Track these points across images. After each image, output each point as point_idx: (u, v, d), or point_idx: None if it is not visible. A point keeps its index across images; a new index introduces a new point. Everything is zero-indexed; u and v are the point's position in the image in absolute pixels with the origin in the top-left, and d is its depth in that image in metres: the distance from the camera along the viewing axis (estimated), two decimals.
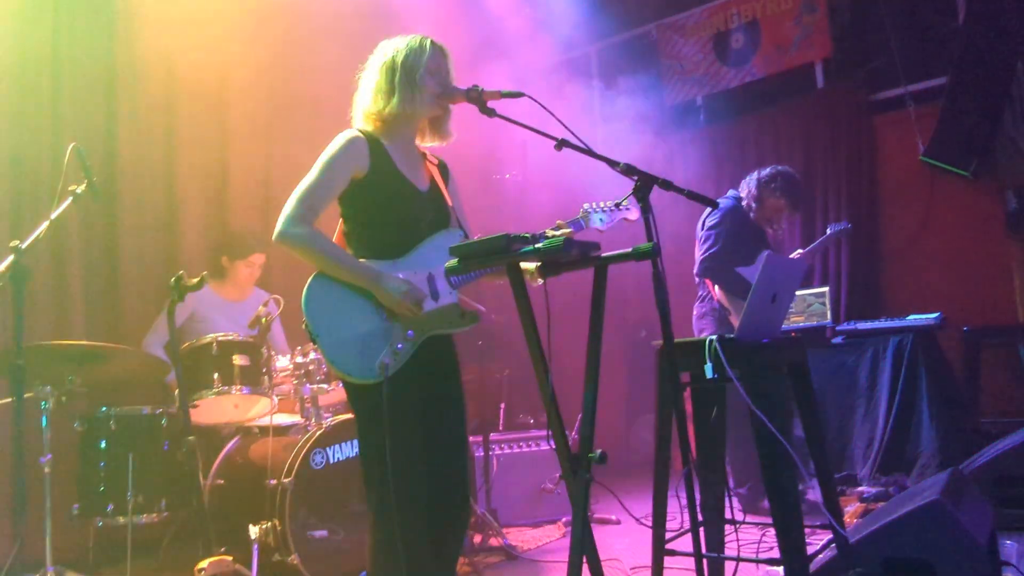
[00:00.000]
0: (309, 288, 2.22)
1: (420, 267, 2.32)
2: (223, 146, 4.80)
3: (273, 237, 2.23)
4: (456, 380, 2.45)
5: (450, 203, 2.47)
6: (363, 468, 2.27)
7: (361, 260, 2.28)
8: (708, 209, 4.32)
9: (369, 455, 2.24)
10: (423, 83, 2.32)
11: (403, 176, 2.36)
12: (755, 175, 4.41)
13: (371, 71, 2.39)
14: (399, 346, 2.23)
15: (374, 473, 2.19)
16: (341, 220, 2.40)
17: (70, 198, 3.08)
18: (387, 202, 2.32)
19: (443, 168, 2.56)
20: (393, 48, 2.36)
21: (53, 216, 3.05)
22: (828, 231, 4.68)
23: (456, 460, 2.37)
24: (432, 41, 2.37)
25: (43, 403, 3.07)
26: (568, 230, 2.43)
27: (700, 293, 4.45)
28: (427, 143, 2.51)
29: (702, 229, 4.37)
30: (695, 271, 4.35)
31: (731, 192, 4.51)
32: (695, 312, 4.46)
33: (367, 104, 2.37)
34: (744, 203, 4.39)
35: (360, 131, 2.35)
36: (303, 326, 2.22)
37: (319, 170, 2.28)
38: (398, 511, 2.14)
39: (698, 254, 4.31)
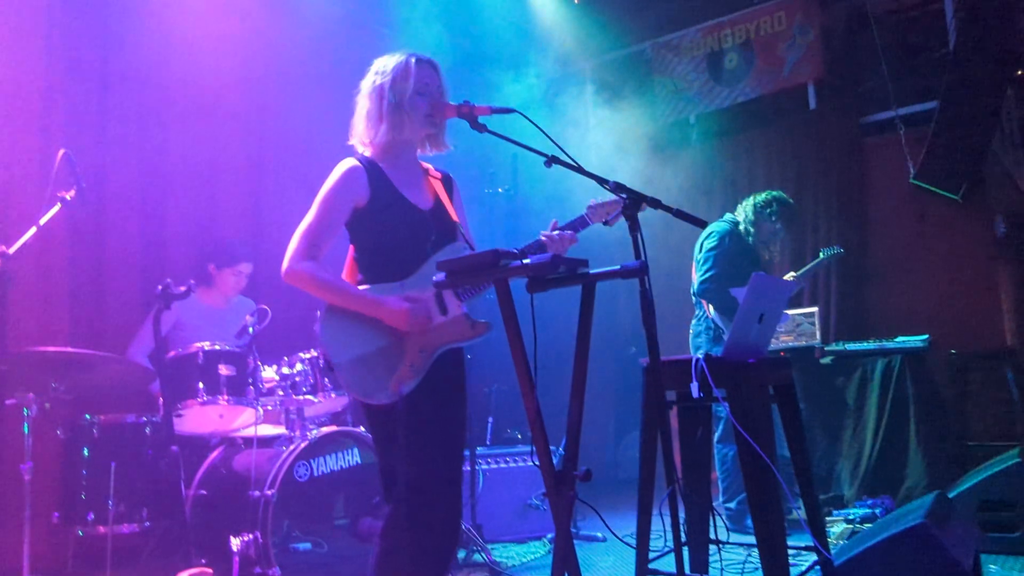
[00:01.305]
0: (322, 321, 2.27)
1: (428, 285, 2.32)
2: (213, 155, 4.79)
3: (282, 274, 2.28)
4: (462, 397, 2.46)
5: (455, 218, 2.48)
6: (382, 483, 2.29)
7: (367, 286, 2.31)
8: (707, 231, 4.41)
9: (385, 471, 2.27)
10: (412, 106, 2.33)
11: (405, 199, 2.37)
12: (751, 200, 4.52)
13: (362, 96, 2.40)
14: (411, 367, 2.26)
15: (389, 491, 2.24)
16: (352, 248, 2.42)
17: (59, 204, 3.07)
18: (391, 227, 2.34)
19: (447, 181, 2.56)
20: (381, 71, 2.37)
21: (41, 222, 3.03)
22: (820, 255, 4.72)
23: (452, 474, 2.36)
24: (418, 59, 2.37)
25: (25, 410, 3.03)
26: (566, 233, 2.43)
27: (697, 312, 4.53)
28: (427, 155, 2.52)
29: (700, 251, 4.46)
30: (693, 291, 4.42)
31: (728, 215, 4.61)
32: (692, 330, 4.53)
33: (360, 131, 2.40)
34: (741, 227, 4.48)
35: (358, 158, 2.36)
36: (320, 363, 2.23)
37: (319, 205, 2.31)
38: (413, 527, 2.16)
39: (697, 275, 4.38)
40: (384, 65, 2.38)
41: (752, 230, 4.46)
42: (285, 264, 2.27)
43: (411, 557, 2.17)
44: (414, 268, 2.34)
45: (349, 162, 2.35)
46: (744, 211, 4.52)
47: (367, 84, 2.39)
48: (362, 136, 2.39)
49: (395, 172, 2.39)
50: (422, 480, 2.20)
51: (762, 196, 4.52)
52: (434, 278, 2.11)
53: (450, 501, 2.32)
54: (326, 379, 3.48)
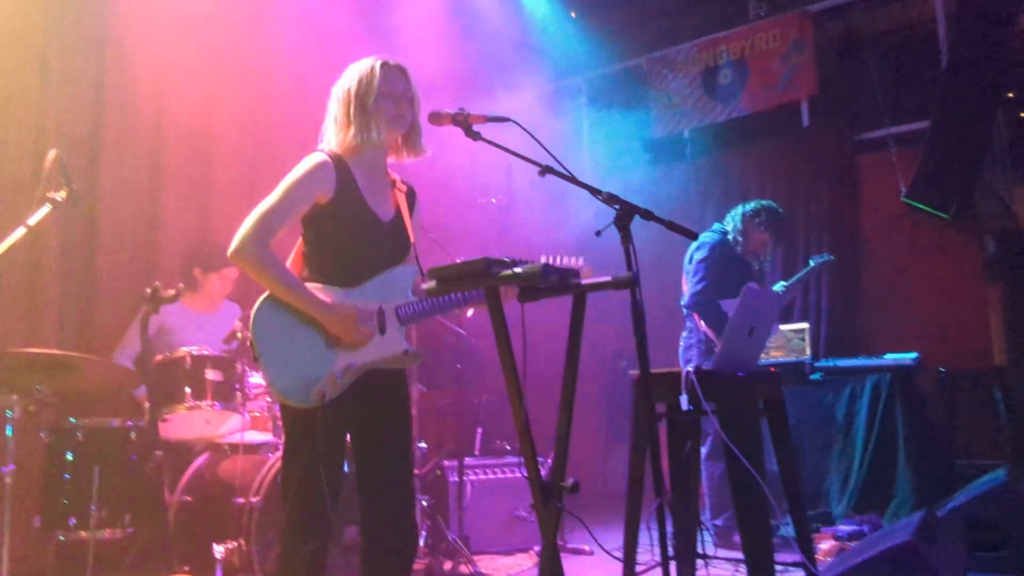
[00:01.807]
0: (259, 308, 2.24)
1: (372, 299, 2.32)
2: (208, 158, 4.78)
3: (228, 253, 2.23)
4: (401, 411, 2.43)
5: (412, 236, 2.47)
6: (281, 484, 2.32)
7: (314, 285, 2.28)
8: (696, 242, 4.36)
9: (288, 474, 2.28)
10: (377, 109, 2.32)
11: (367, 205, 2.35)
12: (740, 209, 4.47)
13: (331, 101, 2.40)
14: (338, 375, 2.24)
15: (288, 491, 2.25)
16: (301, 239, 2.40)
17: (49, 205, 3.05)
18: (348, 231, 2.32)
19: (411, 196, 2.55)
20: (348, 77, 2.38)
21: (31, 223, 3.01)
22: (811, 263, 4.72)
23: (396, 487, 2.35)
24: (384, 63, 2.37)
25: (8, 411, 3.00)
26: None
27: (687, 324, 4.47)
28: (404, 159, 2.50)
29: (689, 263, 4.41)
30: (683, 304, 4.38)
31: (716, 225, 4.56)
32: (682, 343, 4.48)
33: (329, 136, 2.39)
34: (729, 237, 4.44)
35: (329, 154, 2.34)
36: (248, 343, 2.21)
37: (282, 191, 2.28)
38: (296, 528, 2.20)
39: (687, 287, 4.34)
40: (352, 70, 2.39)
41: (740, 239, 4.41)
42: (235, 243, 2.21)
43: (296, 562, 2.20)
44: (364, 278, 2.33)
45: (319, 156, 2.33)
46: (733, 220, 4.47)
47: (336, 90, 2.39)
48: (330, 141, 2.39)
49: (363, 176, 2.37)
50: (309, 490, 2.19)
51: (751, 205, 4.47)
52: (424, 285, 2.11)
53: (383, 514, 2.31)
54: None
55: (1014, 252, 5.66)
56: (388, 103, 2.33)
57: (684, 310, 4.44)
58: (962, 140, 5.30)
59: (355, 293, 2.30)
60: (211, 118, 4.78)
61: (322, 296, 2.26)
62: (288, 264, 2.37)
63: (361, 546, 2.35)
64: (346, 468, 2.44)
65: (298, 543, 2.20)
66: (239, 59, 4.80)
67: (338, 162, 2.33)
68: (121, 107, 4.36)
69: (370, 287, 2.33)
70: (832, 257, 4.74)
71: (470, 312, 2.42)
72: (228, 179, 4.85)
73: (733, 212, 4.52)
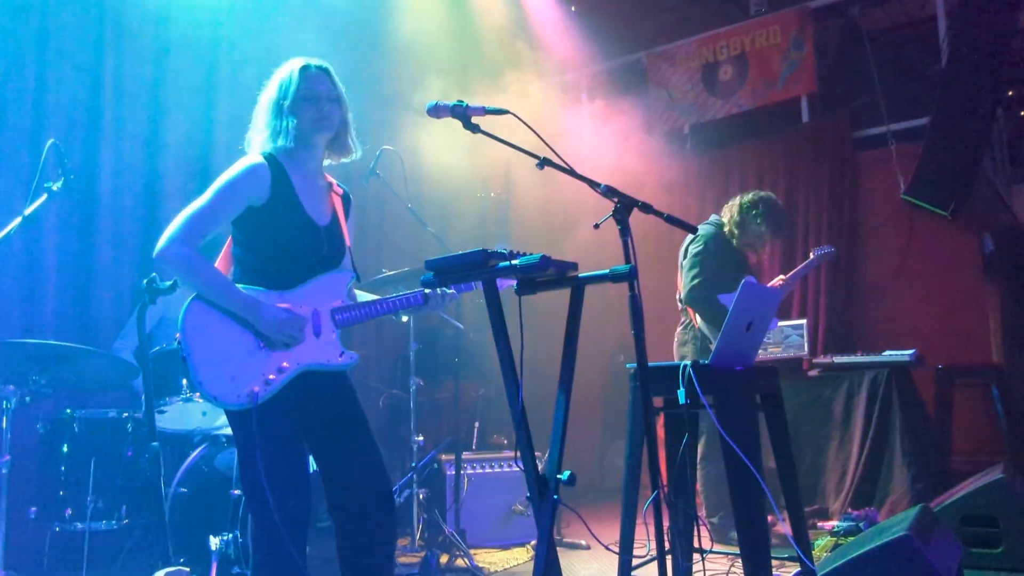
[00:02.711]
0: (187, 307, 2.21)
1: (306, 303, 2.31)
2: (205, 150, 4.77)
3: (153, 254, 2.20)
4: (346, 404, 2.39)
5: (348, 241, 2.46)
6: (243, 491, 2.30)
7: (244, 286, 2.26)
8: (690, 235, 4.31)
9: (244, 478, 2.24)
10: (293, 112, 2.30)
11: (303, 209, 2.33)
12: (737, 201, 4.40)
13: (256, 109, 2.39)
14: (271, 376, 2.22)
15: (248, 497, 2.23)
16: (231, 240, 2.38)
17: (45, 194, 3.04)
18: (283, 234, 2.30)
19: (346, 200, 2.54)
20: (267, 86, 2.37)
21: (27, 212, 3.00)
22: (812, 255, 4.68)
23: (357, 466, 2.33)
24: (304, 67, 2.35)
25: (4, 402, 3.00)
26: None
27: (683, 319, 4.42)
28: (334, 161, 2.48)
29: (684, 257, 4.35)
30: (679, 298, 4.34)
31: (713, 217, 4.50)
32: (677, 338, 4.43)
33: (254, 144, 2.37)
34: (726, 229, 4.38)
35: (265, 156, 2.32)
36: (176, 343, 2.20)
37: (214, 194, 2.25)
38: (262, 534, 2.18)
39: (683, 281, 4.30)
40: (273, 77, 2.37)
41: (737, 232, 4.32)
42: (162, 243, 2.19)
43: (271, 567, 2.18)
44: (297, 281, 2.31)
45: (254, 158, 2.31)
46: (730, 212, 4.39)
47: (260, 97, 2.38)
48: (255, 148, 2.36)
49: (298, 180, 2.35)
50: (271, 491, 2.15)
51: (748, 196, 4.38)
52: (421, 278, 2.11)
53: (353, 498, 2.30)
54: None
55: (1013, 250, 5.67)
56: (310, 106, 2.31)
57: (680, 304, 4.40)
58: (962, 137, 5.30)
59: (289, 295, 2.29)
60: (208, 104, 4.77)
61: (261, 301, 2.23)
62: (216, 264, 2.36)
63: (337, 531, 2.33)
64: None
65: (269, 559, 2.18)
66: (241, 38, 4.78)
67: (274, 165, 2.30)
68: (119, 98, 4.34)
69: (304, 290, 2.31)
70: (833, 249, 4.68)
71: (405, 318, 2.40)
72: (226, 168, 4.84)
73: (731, 203, 4.43)
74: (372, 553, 2.32)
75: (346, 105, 2.41)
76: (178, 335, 2.19)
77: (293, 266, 2.31)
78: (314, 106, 2.32)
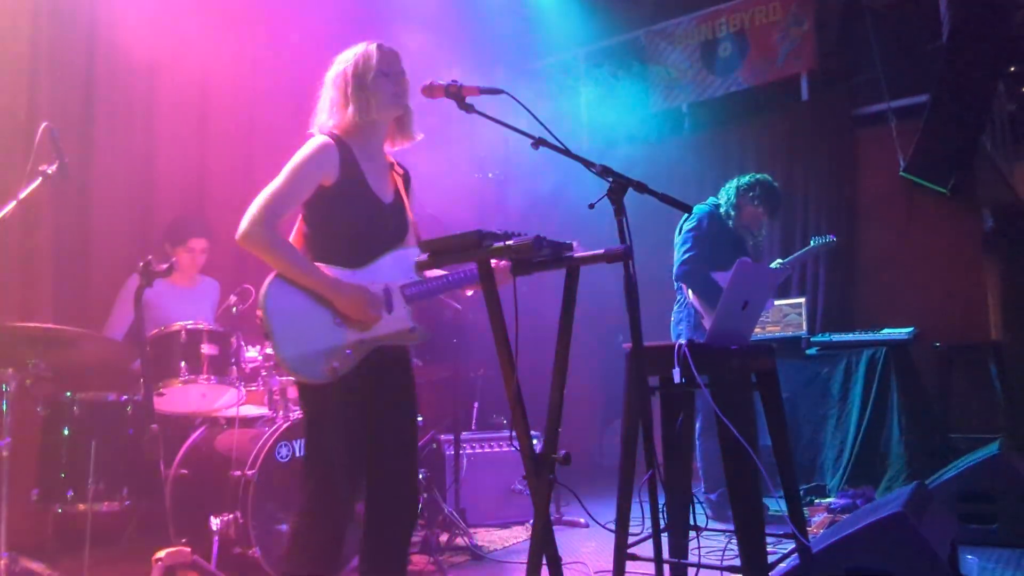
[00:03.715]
0: (269, 286, 2.25)
1: (377, 279, 2.35)
2: (202, 131, 4.75)
3: (236, 237, 2.24)
4: (407, 388, 2.47)
5: (411, 217, 2.49)
6: (304, 462, 2.34)
7: (320, 265, 2.30)
8: (685, 215, 4.33)
9: (310, 452, 2.31)
10: (376, 86, 2.33)
11: (370, 188, 2.37)
12: (735, 182, 4.44)
13: (326, 87, 2.40)
14: (348, 352, 2.27)
15: (311, 469, 2.28)
16: (301, 220, 2.40)
17: (40, 178, 3.03)
18: (352, 213, 2.33)
19: (406, 179, 2.57)
20: (343, 60, 2.38)
21: (21, 196, 2.99)
22: (812, 243, 4.68)
23: (400, 462, 2.39)
24: (379, 45, 2.39)
25: (4, 386, 3.00)
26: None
27: (678, 298, 4.45)
28: (395, 146, 2.51)
29: (679, 234, 4.38)
30: (674, 275, 4.36)
31: (710, 198, 4.52)
32: (673, 318, 4.46)
33: (324, 121, 2.39)
34: (722, 209, 4.40)
35: (332, 137, 2.34)
36: (259, 321, 2.23)
37: (287, 175, 2.29)
38: (325, 509, 2.22)
39: (676, 258, 4.32)
40: (346, 54, 2.40)
41: (733, 213, 4.36)
42: (243, 227, 2.22)
43: (309, 543, 2.21)
44: (368, 259, 2.35)
45: (323, 139, 2.33)
46: (727, 193, 4.42)
47: (330, 74, 2.40)
48: (325, 124, 2.38)
49: (364, 159, 2.38)
50: (331, 466, 2.23)
51: (746, 178, 4.42)
52: (416, 258, 2.11)
53: (386, 488, 2.36)
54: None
55: (1012, 226, 5.66)
56: (388, 82, 2.35)
57: (675, 283, 4.42)
58: (962, 114, 5.27)
59: (361, 274, 2.32)
60: (205, 85, 4.74)
61: (340, 280, 2.28)
62: None
63: (365, 517, 2.38)
64: None
65: (315, 529, 2.22)
66: (232, 26, 4.75)
67: (341, 144, 2.33)
68: (113, 80, 4.32)
69: (374, 268, 2.35)
70: (834, 238, 4.70)
71: (470, 292, 2.46)
72: (222, 153, 4.83)
73: (728, 185, 4.46)
74: (393, 545, 2.39)
75: (410, 92, 2.44)
76: (260, 313, 2.22)
77: (362, 244, 2.35)
78: (393, 82, 2.35)
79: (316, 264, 2.29)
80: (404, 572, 2.42)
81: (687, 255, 4.22)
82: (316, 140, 2.33)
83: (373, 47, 2.37)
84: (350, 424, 2.28)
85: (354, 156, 2.35)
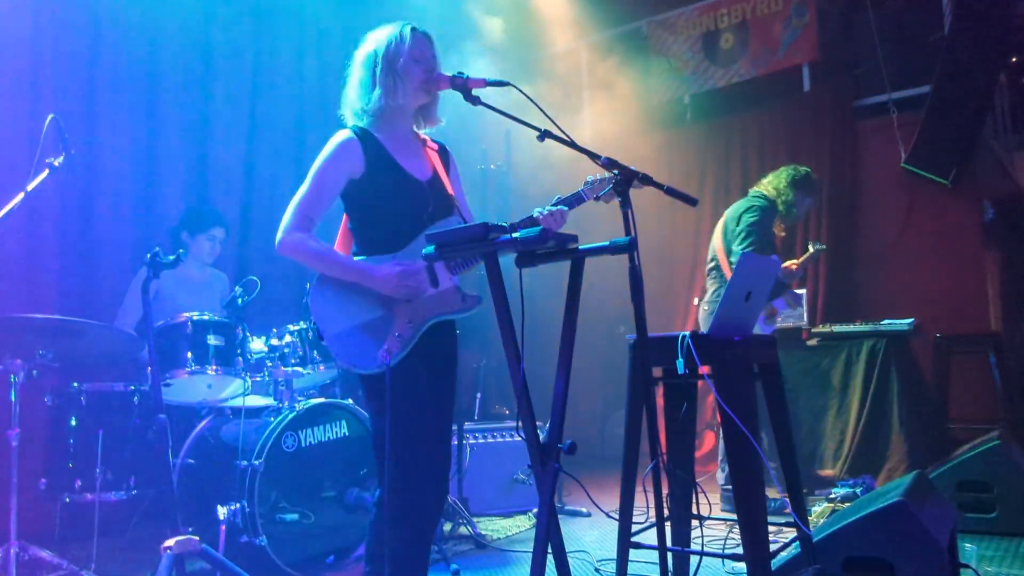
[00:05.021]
0: (310, 292, 2.30)
1: (419, 256, 2.31)
2: (205, 122, 4.75)
3: (275, 247, 2.30)
4: (451, 373, 2.47)
5: (451, 191, 2.47)
6: (375, 451, 2.32)
7: (363, 258, 2.32)
8: (746, 205, 4.34)
9: (380, 440, 2.28)
10: (406, 72, 2.31)
11: (402, 168, 2.36)
12: (782, 176, 4.42)
13: (355, 65, 2.39)
14: (396, 334, 2.27)
15: (384, 456, 2.26)
16: (345, 218, 2.42)
17: (47, 170, 3.05)
18: (387, 197, 2.34)
19: (444, 153, 2.56)
20: (375, 40, 2.37)
21: (29, 188, 3.01)
22: (810, 249, 4.65)
23: (439, 451, 2.39)
24: (413, 28, 2.36)
25: (12, 376, 3.03)
26: (557, 209, 2.41)
27: (714, 287, 4.43)
28: (419, 128, 2.50)
29: (737, 224, 4.33)
30: (713, 265, 4.38)
31: (756, 192, 4.48)
32: (706, 307, 4.40)
33: (353, 100, 2.39)
34: (780, 205, 4.38)
35: (353, 130, 2.35)
36: (310, 334, 2.27)
37: (312, 178, 2.31)
38: (402, 495, 2.21)
39: (735, 247, 4.28)
40: (378, 34, 2.38)
41: (795, 210, 4.38)
42: (279, 236, 2.28)
43: (398, 520, 2.21)
44: (409, 239, 2.34)
45: (343, 134, 2.34)
46: (777, 189, 4.38)
47: (361, 53, 2.38)
48: (354, 104, 2.38)
49: (391, 142, 2.38)
50: (408, 448, 2.23)
51: (790, 171, 4.40)
52: (423, 251, 2.12)
53: (435, 468, 2.35)
54: (315, 351, 3.49)
55: (1013, 218, 5.67)
56: (418, 68, 2.33)
57: (713, 272, 4.41)
58: (963, 105, 5.27)
59: (402, 255, 2.32)
60: (208, 75, 4.75)
61: (372, 264, 2.29)
62: (337, 244, 2.42)
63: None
64: None
65: (404, 507, 2.22)
66: (236, 21, 4.74)
67: (363, 135, 2.34)
68: (115, 66, 4.33)
69: (416, 245, 2.33)
70: (824, 246, 4.73)
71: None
72: (226, 141, 4.83)
73: (771, 180, 4.44)
74: (424, 534, 2.36)
75: None
76: (311, 321, 2.26)
77: (403, 225, 2.34)
78: (423, 67, 2.33)
79: (362, 255, 2.31)
80: (427, 566, 2.36)
81: (748, 244, 4.20)
82: (336, 138, 2.33)
83: (408, 30, 2.35)
84: (411, 406, 2.25)
85: (378, 142, 2.35)
